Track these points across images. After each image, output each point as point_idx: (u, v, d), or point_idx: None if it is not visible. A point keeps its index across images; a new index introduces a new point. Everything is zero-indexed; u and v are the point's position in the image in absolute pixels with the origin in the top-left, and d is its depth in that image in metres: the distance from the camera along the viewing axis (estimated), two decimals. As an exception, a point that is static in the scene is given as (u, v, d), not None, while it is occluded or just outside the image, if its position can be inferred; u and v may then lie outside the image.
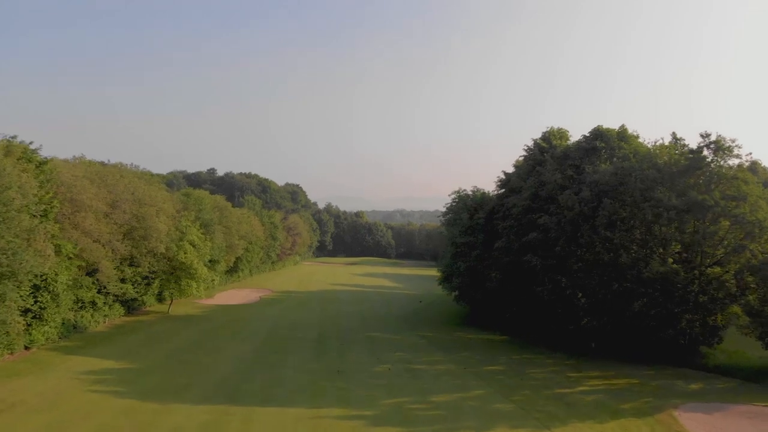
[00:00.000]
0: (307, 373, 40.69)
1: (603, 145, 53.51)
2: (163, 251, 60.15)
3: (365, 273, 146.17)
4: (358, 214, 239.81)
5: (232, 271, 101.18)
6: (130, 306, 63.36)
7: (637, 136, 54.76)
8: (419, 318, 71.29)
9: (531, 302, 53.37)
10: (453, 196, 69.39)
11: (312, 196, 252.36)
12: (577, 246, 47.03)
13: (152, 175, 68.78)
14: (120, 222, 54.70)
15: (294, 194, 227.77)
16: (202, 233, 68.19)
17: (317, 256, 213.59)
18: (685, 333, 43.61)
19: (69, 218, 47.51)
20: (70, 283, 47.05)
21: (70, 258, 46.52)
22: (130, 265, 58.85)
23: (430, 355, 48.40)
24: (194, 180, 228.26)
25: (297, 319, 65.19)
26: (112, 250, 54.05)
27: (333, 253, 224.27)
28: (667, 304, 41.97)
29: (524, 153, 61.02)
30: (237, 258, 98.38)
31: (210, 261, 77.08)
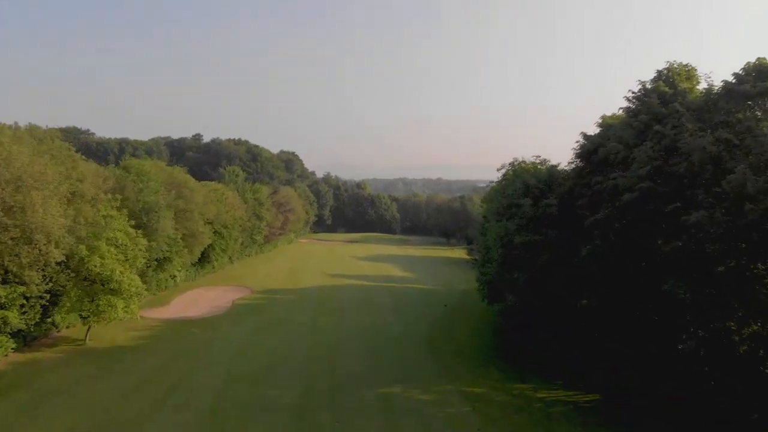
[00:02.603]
0: None
1: (781, 87, 31.53)
2: (63, 259, 38.92)
3: (369, 256, 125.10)
4: (359, 185, 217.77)
5: (204, 261, 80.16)
6: (27, 336, 42.70)
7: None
8: (448, 342, 50.26)
9: (653, 351, 32.29)
10: (504, 170, 47.64)
11: (309, 164, 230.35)
12: (770, 269, 25.61)
13: (60, 140, 46.23)
14: (-28, 217, 33.37)
15: (289, 163, 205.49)
16: (133, 225, 46.70)
17: (315, 232, 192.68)
18: None
19: None
20: None
21: None
22: (4, 282, 37.71)
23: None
24: (177, 147, 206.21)
25: (273, 352, 44.21)
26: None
27: (332, 228, 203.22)
28: None
29: (626, 103, 39.02)
30: (209, 246, 77.28)
31: (157, 260, 55.93)
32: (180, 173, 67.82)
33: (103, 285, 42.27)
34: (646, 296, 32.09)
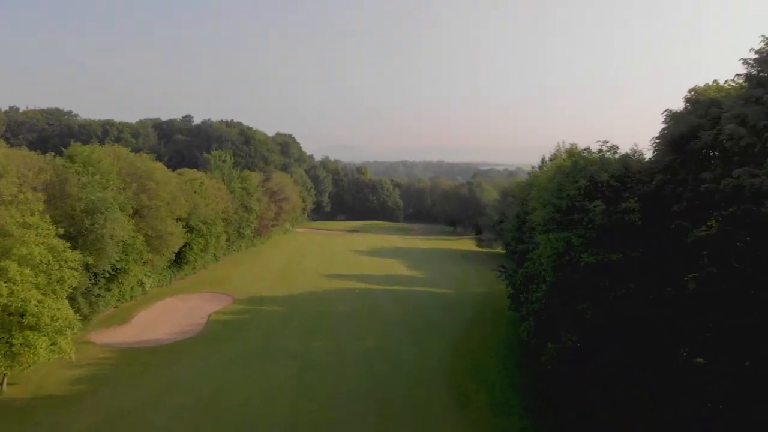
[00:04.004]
0: None
1: None
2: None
3: (371, 249, 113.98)
4: (360, 170, 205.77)
5: (181, 261, 69.06)
6: None
7: None
8: (476, 381, 39.32)
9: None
10: (558, 159, 36.06)
11: (307, 147, 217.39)
12: None
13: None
14: None
15: (285, 146, 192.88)
16: (69, 233, 35.47)
17: (313, 219, 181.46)
18: None
19: None
20: None
21: None
22: None
23: None
24: (166, 129, 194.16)
25: (247, 410, 33.16)
26: None
27: (331, 216, 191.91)
28: None
29: (744, 69, 27.37)
30: (185, 245, 66.21)
31: (109, 272, 44.79)
32: (145, 162, 56.16)
33: (22, 317, 31.18)
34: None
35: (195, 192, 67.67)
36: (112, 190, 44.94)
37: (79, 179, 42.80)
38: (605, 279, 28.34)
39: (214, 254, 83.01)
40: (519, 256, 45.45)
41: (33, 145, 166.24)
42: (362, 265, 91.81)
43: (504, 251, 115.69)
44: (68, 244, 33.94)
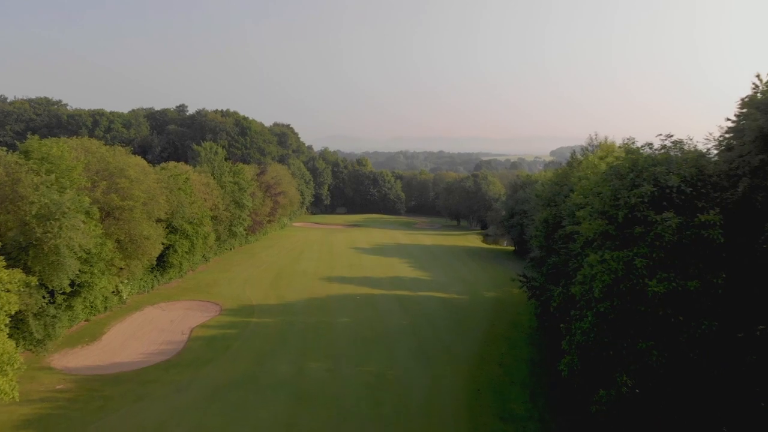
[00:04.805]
0: None
1: None
2: None
3: (373, 246, 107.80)
4: (360, 162, 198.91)
5: (165, 265, 62.81)
6: None
7: None
8: (499, 419, 33.23)
9: None
10: (609, 157, 29.24)
11: (305, 137, 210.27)
12: None
13: None
14: None
15: (282, 137, 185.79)
16: (5, 243, 29.17)
17: (312, 213, 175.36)
18: None
19: None
20: None
21: None
22: None
23: None
24: (159, 119, 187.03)
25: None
26: None
27: (331, 209, 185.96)
28: None
29: None
30: (168, 247, 60.07)
31: (71, 286, 38.45)
32: (118, 156, 49.43)
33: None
34: None
35: (179, 189, 61.26)
36: (73, 190, 38.50)
37: (32, 179, 36.43)
38: (678, 312, 22.03)
39: (204, 255, 76.91)
40: (549, 269, 39.12)
41: (20, 136, 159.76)
42: (363, 265, 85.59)
43: (513, 248, 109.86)
44: (3, 262, 27.60)
